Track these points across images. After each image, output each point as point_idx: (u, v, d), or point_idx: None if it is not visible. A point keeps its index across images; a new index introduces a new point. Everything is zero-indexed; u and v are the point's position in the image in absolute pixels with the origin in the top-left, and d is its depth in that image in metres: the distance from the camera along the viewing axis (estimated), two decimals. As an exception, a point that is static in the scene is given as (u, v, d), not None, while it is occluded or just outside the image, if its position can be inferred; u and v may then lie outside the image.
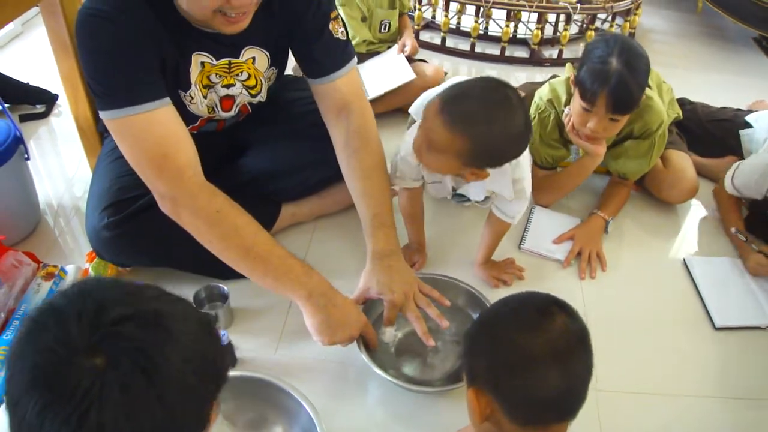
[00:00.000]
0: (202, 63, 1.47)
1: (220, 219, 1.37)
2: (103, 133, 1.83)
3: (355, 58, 1.64)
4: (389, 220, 1.57)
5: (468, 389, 0.98)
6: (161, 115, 1.35)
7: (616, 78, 1.61)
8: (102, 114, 1.37)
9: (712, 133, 2.27)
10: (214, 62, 1.48)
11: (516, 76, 2.97)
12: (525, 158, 1.52)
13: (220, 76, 1.51)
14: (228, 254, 1.39)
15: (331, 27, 1.55)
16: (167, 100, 1.37)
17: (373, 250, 1.52)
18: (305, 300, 1.38)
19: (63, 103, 2.45)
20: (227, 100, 1.58)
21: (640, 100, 1.70)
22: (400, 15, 2.59)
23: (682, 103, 2.44)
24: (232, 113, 1.62)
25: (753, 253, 1.83)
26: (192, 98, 1.51)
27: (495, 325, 0.99)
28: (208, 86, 1.51)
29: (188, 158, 1.38)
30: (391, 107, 2.36)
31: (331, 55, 1.57)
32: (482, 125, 1.31)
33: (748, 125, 2.20)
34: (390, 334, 1.50)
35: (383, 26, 2.53)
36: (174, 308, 0.75)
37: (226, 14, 1.28)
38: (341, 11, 2.34)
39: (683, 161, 2.07)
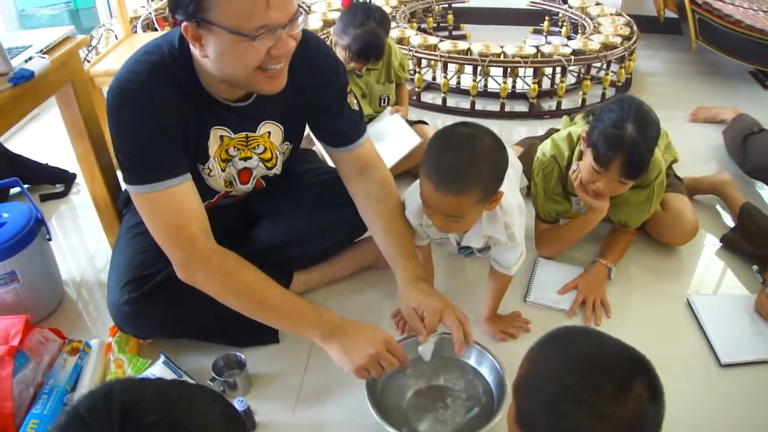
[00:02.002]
0: (221, 137, 1.54)
1: (231, 279, 1.46)
2: (121, 209, 1.90)
3: None
4: (414, 253, 1.64)
5: (515, 423, 0.97)
6: (178, 191, 1.44)
7: (630, 145, 1.64)
8: (126, 185, 1.46)
9: None
10: (232, 136, 1.55)
11: (518, 131, 3.01)
12: (514, 206, 1.59)
13: (238, 149, 1.58)
14: (244, 308, 1.48)
15: (348, 100, 1.64)
16: (186, 176, 1.46)
17: (406, 276, 1.57)
18: (320, 338, 1.45)
19: (81, 182, 2.53)
20: (245, 173, 1.65)
21: (649, 165, 1.74)
22: (398, 86, 2.65)
23: (752, 131, 2.50)
24: (249, 186, 1.69)
25: (764, 293, 1.84)
26: (210, 171, 1.58)
27: (565, 391, 0.88)
28: (227, 160, 1.59)
29: (200, 227, 1.46)
30: (400, 171, 2.40)
31: (352, 127, 1.67)
32: (475, 166, 1.39)
33: None
34: (426, 349, 1.48)
35: (382, 100, 2.60)
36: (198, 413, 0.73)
37: (265, 71, 1.34)
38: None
39: (682, 203, 2.10)
